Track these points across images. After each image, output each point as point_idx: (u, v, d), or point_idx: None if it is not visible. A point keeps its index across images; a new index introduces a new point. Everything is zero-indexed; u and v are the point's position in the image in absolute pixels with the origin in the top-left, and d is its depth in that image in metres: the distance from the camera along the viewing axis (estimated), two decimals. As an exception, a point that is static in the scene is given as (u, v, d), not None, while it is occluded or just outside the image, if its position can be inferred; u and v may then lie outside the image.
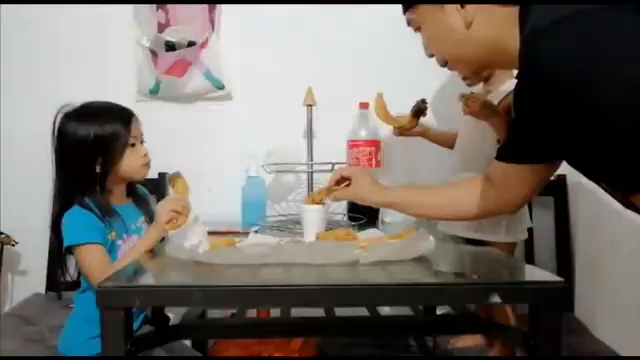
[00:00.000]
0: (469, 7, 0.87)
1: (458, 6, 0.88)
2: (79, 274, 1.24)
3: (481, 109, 1.22)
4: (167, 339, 1.13)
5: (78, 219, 1.17)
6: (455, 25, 0.89)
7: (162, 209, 1.14)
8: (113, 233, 1.19)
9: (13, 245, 1.58)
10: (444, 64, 0.98)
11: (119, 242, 1.19)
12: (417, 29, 1.01)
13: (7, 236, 1.57)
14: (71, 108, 1.22)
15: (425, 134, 1.48)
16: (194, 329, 1.21)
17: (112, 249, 1.18)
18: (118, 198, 1.25)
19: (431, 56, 1.00)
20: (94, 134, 1.17)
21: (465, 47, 0.91)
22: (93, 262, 1.13)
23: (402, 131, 1.41)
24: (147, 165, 1.24)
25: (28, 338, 1.33)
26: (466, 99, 1.24)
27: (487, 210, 1.01)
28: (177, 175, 1.20)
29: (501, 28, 0.85)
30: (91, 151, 1.18)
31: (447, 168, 1.45)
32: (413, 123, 1.36)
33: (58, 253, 1.22)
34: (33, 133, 1.66)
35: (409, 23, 1.03)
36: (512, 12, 0.83)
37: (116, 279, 0.90)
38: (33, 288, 1.62)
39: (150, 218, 1.25)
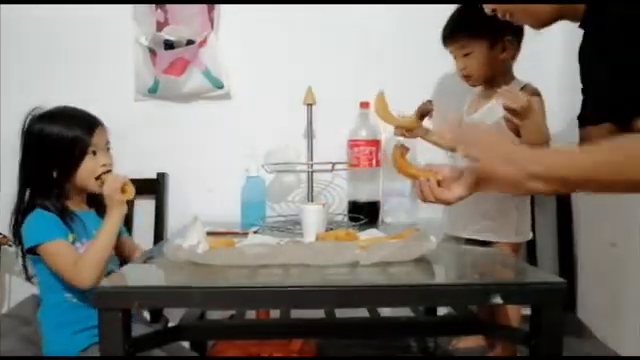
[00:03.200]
0: None
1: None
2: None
3: (527, 107, 1.11)
4: (166, 340, 1.13)
5: (40, 220, 1.18)
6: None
7: (111, 189, 1.17)
8: (74, 235, 1.20)
9: (10, 246, 1.57)
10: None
11: (78, 245, 1.20)
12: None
13: (5, 236, 1.56)
14: (41, 111, 1.24)
15: (426, 136, 1.44)
16: (193, 330, 1.20)
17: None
18: (76, 205, 1.25)
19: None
20: (55, 137, 1.19)
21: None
22: (63, 257, 1.14)
23: (404, 132, 1.36)
24: (105, 177, 1.21)
25: (26, 338, 1.32)
26: (513, 95, 1.12)
27: None
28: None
29: None
30: (50, 154, 1.19)
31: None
32: (417, 124, 1.32)
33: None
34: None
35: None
36: None
37: (114, 280, 0.89)
38: (31, 289, 1.61)
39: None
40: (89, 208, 1.28)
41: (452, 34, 1.26)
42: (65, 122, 1.20)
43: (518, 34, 1.24)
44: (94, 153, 1.21)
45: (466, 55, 1.25)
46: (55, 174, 1.20)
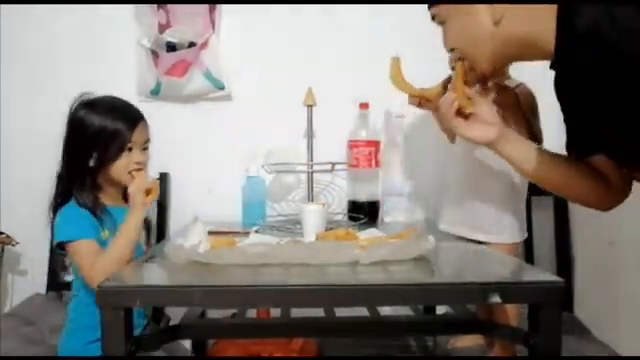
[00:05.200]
0: (499, 4, 0.89)
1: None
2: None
3: (513, 101, 1.16)
4: (167, 339, 1.14)
5: (71, 215, 1.17)
6: (483, 22, 0.91)
7: (136, 188, 1.15)
8: (106, 232, 1.19)
9: (14, 245, 1.59)
10: (462, 59, 1.00)
11: (111, 240, 1.18)
12: (441, 23, 1.02)
13: (8, 236, 1.57)
14: (88, 97, 1.22)
15: (438, 110, 1.42)
16: (194, 329, 1.21)
17: (105, 247, 1.17)
18: (112, 198, 1.24)
19: (451, 50, 1.02)
20: (96, 127, 1.17)
21: (491, 44, 0.92)
22: (85, 258, 1.13)
23: (422, 101, 1.30)
24: (137, 173, 1.21)
25: (29, 338, 1.33)
26: (500, 88, 1.17)
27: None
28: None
29: (533, 25, 0.87)
30: (88, 142, 1.17)
31: (447, 168, 1.45)
32: (440, 95, 1.20)
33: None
34: (34, 133, 1.67)
35: (433, 18, 1.04)
36: (547, 9, 0.84)
37: (116, 279, 0.90)
38: (34, 288, 1.62)
39: (146, 225, 1.25)
40: (125, 203, 1.24)
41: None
42: (109, 113, 1.18)
43: None
44: (130, 149, 1.19)
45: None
46: (91, 163, 1.18)
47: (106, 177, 1.21)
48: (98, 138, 1.17)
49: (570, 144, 0.97)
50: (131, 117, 1.21)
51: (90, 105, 1.20)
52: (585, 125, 0.90)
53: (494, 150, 1.03)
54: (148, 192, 1.18)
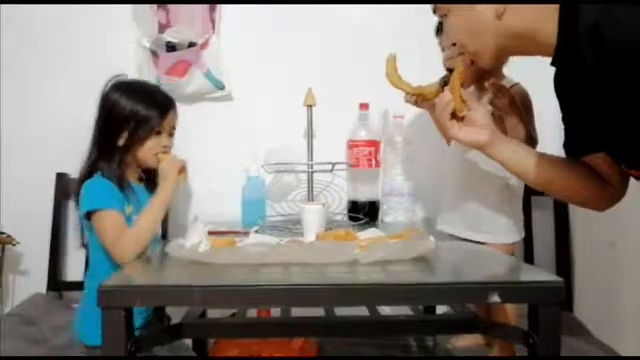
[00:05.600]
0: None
1: None
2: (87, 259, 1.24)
3: (510, 102, 1.16)
4: (167, 339, 1.14)
5: (98, 186, 1.19)
6: (485, 15, 0.91)
7: (169, 165, 1.21)
8: (131, 207, 1.21)
9: (14, 245, 1.59)
10: (462, 54, 1.01)
11: (135, 218, 1.20)
12: (442, 16, 1.03)
13: (8, 236, 1.57)
14: (123, 79, 1.27)
15: (434, 108, 1.42)
16: (194, 328, 1.21)
17: (128, 223, 1.18)
18: (132, 176, 1.28)
19: (453, 45, 1.06)
20: (129, 111, 1.22)
21: (493, 37, 0.92)
22: (110, 227, 1.15)
23: (418, 99, 1.32)
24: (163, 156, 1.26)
25: (29, 338, 1.33)
26: (497, 89, 1.17)
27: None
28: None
29: (535, 20, 0.87)
30: (119, 125, 1.22)
31: (444, 169, 1.46)
32: (437, 94, 1.21)
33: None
34: (33, 133, 1.68)
35: (435, 11, 1.06)
36: (549, 7, 0.84)
37: (116, 279, 0.90)
38: (34, 288, 1.63)
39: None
40: (140, 182, 1.30)
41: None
42: (142, 99, 1.23)
43: None
44: (159, 133, 1.25)
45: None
46: (120, 142, 1.22)
47: (133, 157, 1.25)
48: (130, 121, 1.22)
49: (567, 143, 0.97)
50: (163, 104, 1.27)
51: (124, 88, 1.25)
52: (584, 123, 0.90)
53: (485, 153, 1.04)
54: (179, 172, 1.23)
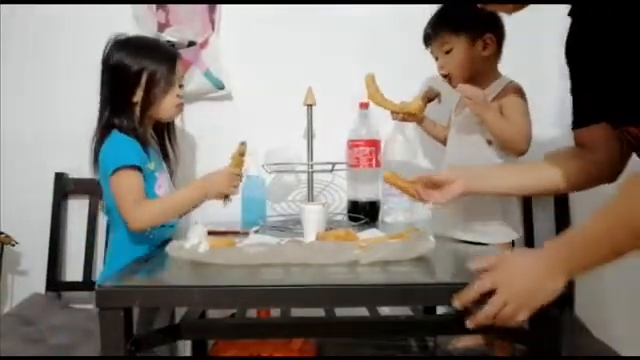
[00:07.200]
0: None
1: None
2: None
3: (483, 101, 1.18)
4: (167, 339, 1.14)
5: (120, 143, 1.17)
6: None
7: (226, 180, 1.20)
8: (153, 163, 1.20)
9: (13, 245, 1.58)
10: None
11: (157, 174, 1.19)
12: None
13: (7, 236, 1.57)
14: (121, 37, 1.24)
15: (424, 124, 1.45)
16: (194, 329, 1.21)
17: (151, 179, 1.18)
18: (146, 134, 1.26)
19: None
20: (137, 69, 1.19)
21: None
22: (127, 192, 1.12)
23: (405, 116, 1.34)
24: (179, 107, 1.26)
25: (28, 338, 1.33)
26: (466, 95, 1.19)
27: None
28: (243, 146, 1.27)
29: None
30: (134, 82, 1.19)
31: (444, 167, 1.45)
32: (422, 109, 1.29)
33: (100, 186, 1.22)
34: (33, 133, 1.68)
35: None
36: None
37: (115, 279, 0.90)
38: (33, 288, 1.62)
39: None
40: (152, 139, 1.29)
41: (434, 29, 1.28)
42: (152, 54, 1.21)
43: (499, 33, 1.26)
44: (172, 85, 1.23)
45: (447, 52, 1.26)
46: (135, 99, 1.20)
47: (150, 115, 1.23)
48: (141, 78, 1.19)
49: (575, 113, 0.99)
50: (171, 56, 1.25)
51: (129, 45, 1.22)
52: (593, 83, 0.90)
53: (474, 194, 1.11)
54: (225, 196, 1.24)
